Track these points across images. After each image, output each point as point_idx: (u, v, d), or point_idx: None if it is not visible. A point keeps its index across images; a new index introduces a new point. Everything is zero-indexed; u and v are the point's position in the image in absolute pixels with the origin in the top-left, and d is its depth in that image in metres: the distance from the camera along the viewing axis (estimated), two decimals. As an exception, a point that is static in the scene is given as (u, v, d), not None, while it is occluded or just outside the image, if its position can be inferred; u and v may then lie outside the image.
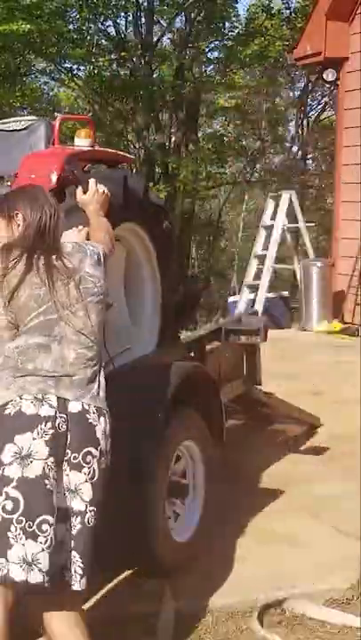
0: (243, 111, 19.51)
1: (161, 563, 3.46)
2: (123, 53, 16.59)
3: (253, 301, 10.67)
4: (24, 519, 2.43)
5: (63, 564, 2.50)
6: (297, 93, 20.44)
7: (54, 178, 3.58)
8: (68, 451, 2.53)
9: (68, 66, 17.00)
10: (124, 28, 17.28)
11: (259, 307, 10.41)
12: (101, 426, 2.60)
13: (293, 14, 17.39)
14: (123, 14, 16.89)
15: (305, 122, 20.01)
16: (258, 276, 11.05)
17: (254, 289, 10.98)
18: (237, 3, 18.93)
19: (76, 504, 2.52)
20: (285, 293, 11.25)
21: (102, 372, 2.69)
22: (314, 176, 20.80)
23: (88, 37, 16.52)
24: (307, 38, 11.00)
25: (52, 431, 2.49)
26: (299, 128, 20.24)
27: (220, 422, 3.96)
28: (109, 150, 4.07)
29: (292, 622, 3.26)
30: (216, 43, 18.02)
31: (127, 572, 3.51)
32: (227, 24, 17.63)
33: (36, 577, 2.42)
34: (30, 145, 3.98)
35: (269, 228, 11.03)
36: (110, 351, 3.22)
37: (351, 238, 10.30)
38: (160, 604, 3.27)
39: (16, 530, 2.42)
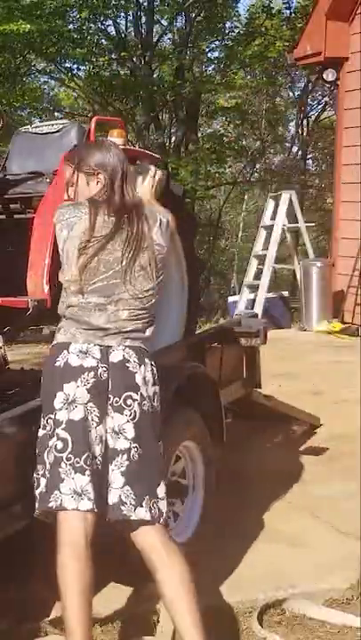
0: (243, 111, 19.53)
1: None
2: (123, 53, 16.60)
3: (253, 301, 10.67)
4: (72, 456, 2.71)
5: (117, 501, 2.75)
6: (297, 93, 20.46)
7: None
8: (110, 396, 2.79)
9: (68, 66, 17.02)
10: (124, 28, 17.31)
11: (259, 307, 10.41)
12: (141, 373, 2.84)
13: (293, 14, 17.40)
14: (123, 14, 16.91)
15: (305, 122, 20.03)
16: (258, 276, 11.05)
17: (254, 289, 10.98)
18: (238, 3, 18.93)
19: (121, 443, 2.78)
20: (285, 293, 11.25)
21: (151, 329, 2.93)
22: (314, 176, 20.82)
23: (88, 37, 16.52)
24: (307, 38, 10.99)
25: (93, 380, 2.77)
26: (299, 128, 20.28)
27: (220, 423, 3.95)
28: (139, 150, 4.12)
29: (292, 622, 3.26)
30: (216, 43, 18.04)
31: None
32: (227, 24, 17.65)
33: (85, 505, 2.70)
34: (64, 146, 4.21)
35: (269, 228, 11.03)
36: None
37: (351, 238, 10.30)
38: (160, 604, 3.27)
39: (66, 466, 2.71)
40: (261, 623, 3.20)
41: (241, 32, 17.61)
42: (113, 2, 16.02)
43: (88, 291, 2.84)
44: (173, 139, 17.97)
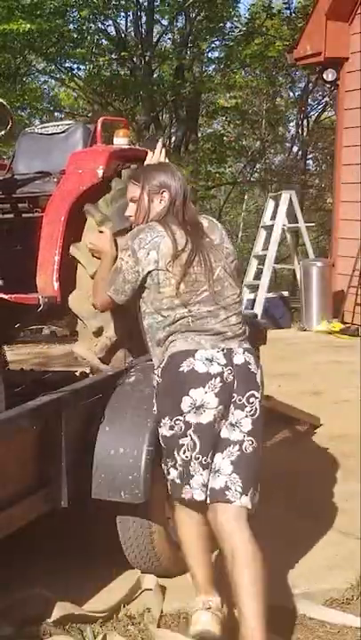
0: (243, 111, 19.52)
1: (161, 563, 3.45)
2: (123, 53, 16.59)
3: (253, 301, 10.67)
4: (200, 456, 2.98)
5: (223, 486, 2.99)
6: (297, 93, 20.45)
7: (100, 172, 3.99)
8: (234, 394, 3.01)
9: (68, 66, 17.02)
10: (124, 28, 17.30)
11: (259, 307, 10.41)
12: (259, 375, 3.09)
13: (294, 14, 17.39)
14: (123, 14, 16.91)
15: (305, 122, 20.02)
16: (258, 276, 11.05)
17: (254, 289, 10.98)
18: (238, 3, 18.92)
19: (235, 435, 3.01)
20: (285, 293, 11.25)
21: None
22: (314, 176, 20.81)
23: (88, 37, 16.52)
24: (307, 38, 10.99)
25: (220, 384, 2.98)
26: (299, 128, 20.26)
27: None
28: (144, 149, 4.25)
29: (292, 622, 3.26)
30: (216, 43, 18.04)
31: (127, 573, 3.51)
32: (227, 24, 17.64)
33: (205, 496, 3.01)
34: (70, 146, 4.35)
35: (269, 228, 11.03)
36: None
37: (351, 238, 10.30)
38: (150, 599, 3.28)
39: (195, 464, 2.99)
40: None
41: (241, 32, 17.60)
42: (113, 2, 16.03)
43: (196, 301, 3.04)
44: (173, 139, 17.96)
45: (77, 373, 4.65)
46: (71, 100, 20.33)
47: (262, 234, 11.19)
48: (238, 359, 3.03)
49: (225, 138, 18.97)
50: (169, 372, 3.03)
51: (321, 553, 3.83)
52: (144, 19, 16.81)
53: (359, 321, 9.98)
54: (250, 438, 3.02)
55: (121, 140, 4.32)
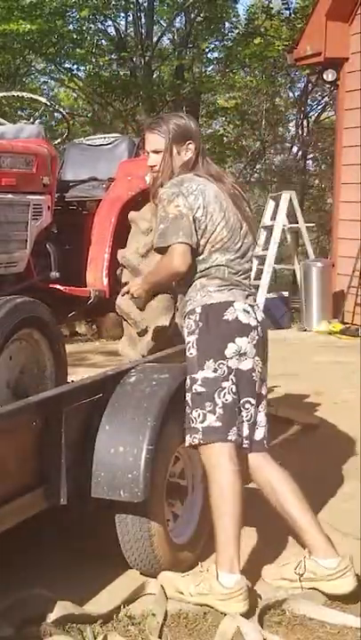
0: (243, 111, 19.51)
1: (160, 564, 3.45)
2: (123, 53, 16.59)
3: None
4: (239, 401, 3.23)
5: (262, 437, 3.37)
6: (297, 94, 20.45)
7: (148, 178, 4.06)
8: (261, 350, 3.27)
9: (68, 66, 17.01)
10: (124, 28, 17.29)
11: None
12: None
13: (293, 15, 17.39)
14: (123, 14, 16.90)
15: (305, 122, 20.01)
16: (258, 276, 11.05)
17: (254, 289, 10.97)
18: (237, 3, 18.92)
19: (264, 390, 3.35)
20: (285, 294, 11.26)
21: None
22: (314, 176, 20.80)
23: (88, 37, 16.51)
24: (307, 38, 11.00)
25: (257, 337, 3.23)
26: (299, 128, 20.24)
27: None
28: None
29: (292, 622, 3.26)
30: (216, 43, 18.03)
31: (128, 573, 3.51)
32: (227, 24, 17.64)
33: (243, 440, 3.29)
34: (116, 156, 4.81)
35: (269, 229, 11.03)
36: None
37: (351, 239, 10.30)
38: (154, 605, 3.28)
39: (234, 408, 3.21)
40: (262, 623, 3.20)
41: (241, 32, 17.60)
42: (113, 2, 16.02)
43: (234, 250, 3.19)
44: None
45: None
46: (71, 101, 20.32)
47: (262, 234, 11.20)
48: (260, 314, 3.28)
49: (225, 138, 18.96)
50: (212, 318, 3.17)
51: (321, 553, 3.82)
52: (144, 19, 16.81)
53: (359, 321, 9.98)
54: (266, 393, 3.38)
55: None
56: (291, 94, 20.88)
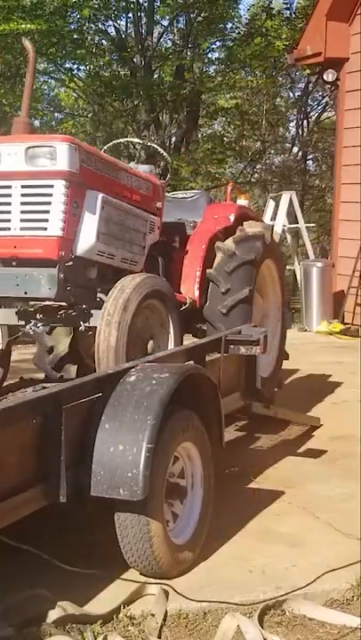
0: (243, 111, 19.50)
1: (160, 565, 3.45)
2: (123, 53, 16.58)
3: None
4: None
5: None
6: (297, 94, 20.44)
7: (232, 218, 5.64)
8: None
9: (69, 66, 17.00)
10: (124, 28, 17.28)
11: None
12: None
13: (294, 15, 17.38)
14: (123, 14, 16.89)
15: (305, 122, 20.00)
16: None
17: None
18: (238, 3, 18.90)
19: None
20: (285, 294, 11.22)
21: None
22: (314, 176, 20.79)
23: (88, 37, 16.50)
24: (307, 39, 11.00)
25: None
26: (299, 128, 20.24)
27: (220, 425, 3.95)
28: (254, 214, 6.37)
29: (293, 622, 3.26)
30: (217, 43, 18.03)
31: (128, 573, 3.51)
32: (227, 24, 17.63)
33: None
34: (197, 207, 5.89)
35: (269, 229, 11.01)
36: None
37: (351, 239, 10.30)
38: (154, 605, 3.27)
39: None
40: (262, 624, 3.20)
41: (241, 32, 17.58)
42: (113, 2, 16.02)
43: None
44: (173, 139, 17.94)
45: None
46: (71, 101, 20.32)
47: (262, 234, 11.16)
48: None
49: (225, 138, 18.94)
50: None
51: (321, 553, 3.83)
52: (144, 19, 16.80)
53: (359, 321, 9.98)
54: None
55: (243, 201, 6.26)
56: (291, 94, 20.88)
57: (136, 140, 7.35)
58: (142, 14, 16.69)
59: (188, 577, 3.55)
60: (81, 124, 17.16)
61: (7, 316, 4.87)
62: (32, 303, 4.76)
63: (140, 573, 3.49)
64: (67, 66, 17.00)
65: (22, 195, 4.48)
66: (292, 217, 11.39)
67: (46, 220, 4.43)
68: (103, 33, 17.25)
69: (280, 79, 19.65)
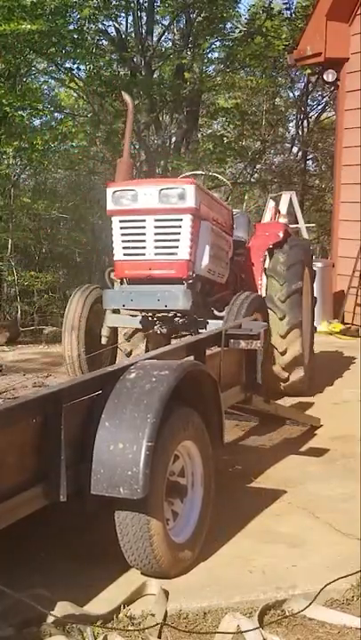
0: (243, 111, 19.50)
1: (160, 564, 3.44)
2: (123, 53, 16.58)
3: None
4: None
5: None
6: (297, 94, 20.45)
7: (281, 234, 6.79)
8: None
9: (69, 66, 16.98)
10: (124, 28, 17.27)
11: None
12: None
13: (294, 15, 17.38)
14: (123, 14, 16.89)
15: (305, 122, 20.01)
16: (258, 276, 11.02)
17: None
18: (238, 3, 18.88)
19: None
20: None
21: None
22: (314, 177, 20.80)
23: (89, 37, 16.48)
24: (307, 39, 11.00)
25: None
26: (299, 129, 20.24)
27: (220, 422, 3.94)
28: (296, 227, 7.96)
29: (292, 622, 3.25)
30: (217, 43, 18.03)
31: (128, 573, 3.51)
32: (227, 24, 17.63)
33: None
34: (239, 226, 6.96)
35: (270, 229, 11.00)
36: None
37: (351, 239, 10.30)
38: (154, 605, 3.27)
39: None
40: (262, 624, 3.19)
41: (241, 32, 17.58)
42: (114, 2, 16.01)
43: None
44: (173, 139, 17.94)
45: None
46: (71, 101, 20.30)
47: (262, 234, 11.15)
48: None
49: (225, 138, 18.94)
50: None
51: (321, 553, 3.82)
52: (144, 19, 16.80)
53: (359, 321, 9.98)
54: None
55: (284, 220, 7.98)
56: (291, 94, 20.89)
57: (199, 172, 8.70)
58: (142, 14, 16.69)
59: (188, 577, 3.55)
60: (81, 123, 17.12)
61: (133, 323, 6.13)
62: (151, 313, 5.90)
63: (141, 573, 3.48)
64: (67, 66, 16.99)
65: (155, 227, 5.67)
66: (292, 217, 11.38)
67: (177, 247, 5.64)
68: (103, 33, 17.25)
69: (280, 79, 19.65)
